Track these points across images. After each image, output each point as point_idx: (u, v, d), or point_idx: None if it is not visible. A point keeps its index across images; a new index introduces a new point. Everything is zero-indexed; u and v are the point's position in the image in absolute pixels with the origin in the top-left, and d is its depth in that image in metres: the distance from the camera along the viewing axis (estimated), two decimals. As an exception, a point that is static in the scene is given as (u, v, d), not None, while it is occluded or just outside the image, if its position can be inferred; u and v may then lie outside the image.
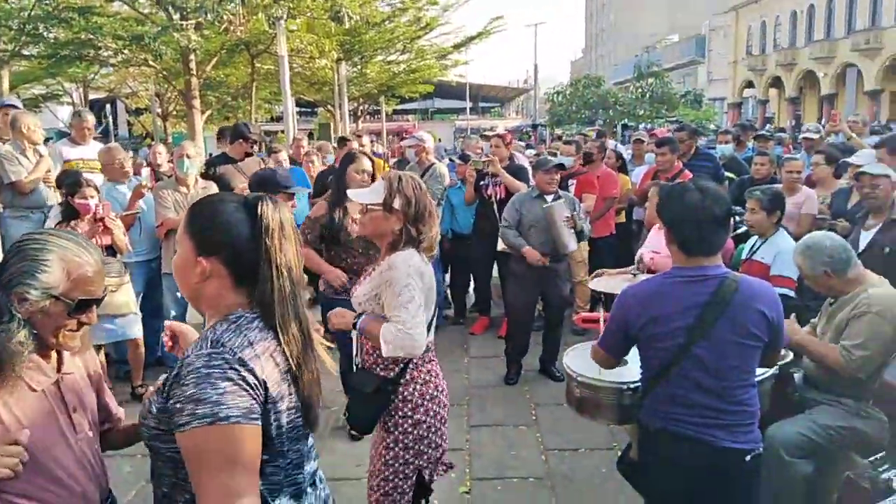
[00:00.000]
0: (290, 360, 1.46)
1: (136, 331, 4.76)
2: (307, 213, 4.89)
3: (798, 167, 5.15)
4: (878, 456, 1.79)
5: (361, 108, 25.64)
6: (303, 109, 30.78)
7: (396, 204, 2.40)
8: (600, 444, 4.06)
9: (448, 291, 7.06)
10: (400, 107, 35.55)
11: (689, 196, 2.22)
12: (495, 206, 5.81)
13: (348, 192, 2.98)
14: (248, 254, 1.46)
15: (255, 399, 1.36)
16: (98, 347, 4.75)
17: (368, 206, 2.48)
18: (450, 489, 3.64)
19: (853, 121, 7.49)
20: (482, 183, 5.98)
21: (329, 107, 21.67)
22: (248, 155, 5.71)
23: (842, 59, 31.21)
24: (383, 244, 2.52)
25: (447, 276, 6.98)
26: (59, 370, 1.59)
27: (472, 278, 6.74)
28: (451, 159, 7.99)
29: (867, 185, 3.98)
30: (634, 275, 3.31)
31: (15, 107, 5.92)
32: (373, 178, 3.89)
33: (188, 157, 4.95)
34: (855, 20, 31.01)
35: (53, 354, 1.59)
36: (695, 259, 2.24)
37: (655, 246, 4.12)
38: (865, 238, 4.00)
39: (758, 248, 4.01)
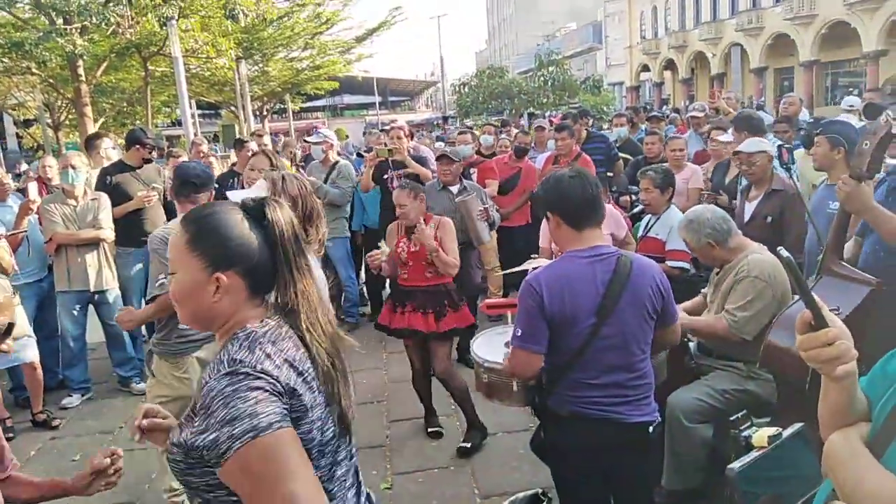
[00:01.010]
0: (322, 361, 1.40)
1: (32, 354, 4.50)
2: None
3: (680, 145, 5.44)
4: (738, 415, 1.91)
5: (266, 107, 25.06)
6: (205, 112, 29.79)
7: None
8: (517, 426, 4.14)
9: (364, 288, 7.03)
10: (307, 104, 34.99)
11: (564, 177, 2.36)
12: (400, 199, 5.81)
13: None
14: (264, 262, 1.42)
15: (285, 406, 1.30)
16: (-10, 376, 4.49)
17: None
18: (371, 486, 3.62)
19: (727, 97, 7.97)
20: (386, 176, 5.96)
21: (232, 108, 21.08)
22: (147, 161, 5.48)
23: (728, 39, 32.90)
24: None
25: (362, 273, 6.94)
26: None
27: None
28: (358, 154, 7.95)
29: (745, 161, 4.22)
30: (534, 258, 3.40)
31: None
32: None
33: (73, 167, 4.70)
34: (738, 1, 32.75)
35: None
36: (585, 235, 2.32)
37: None
38: (749, 209, 4.24)
39: (652, 225, 4.19)
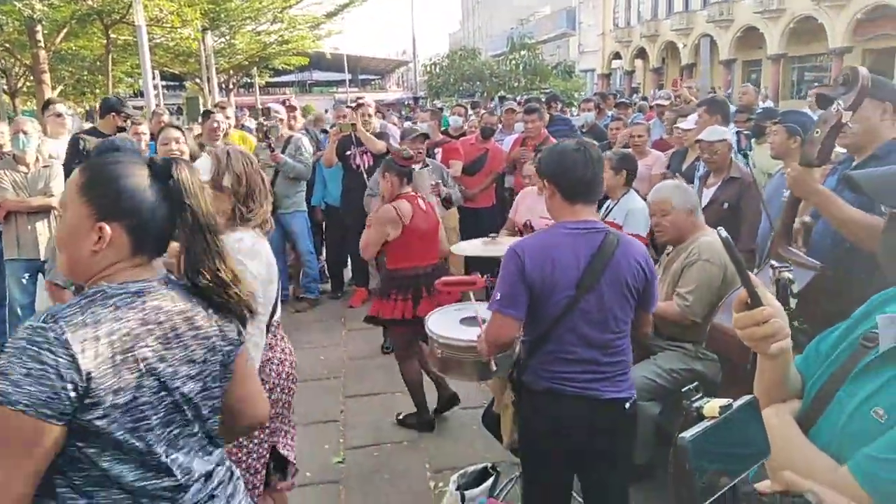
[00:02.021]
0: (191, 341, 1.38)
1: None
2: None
3: (640, 131, 5.52)
4: (690, 386, 1.93)
5: (232, 80, 24.60)
6: (169, 83, 29.14)
7: (226, 181, 2.27)
8: (471, 402, 4.17)
9: (325, 266, 6.99)
10: (275, 79, 34.45)
11: (568, 149, 2.33)
12: (365, 177, 5.78)
13: None
14: (157, 222, 1.38)
15: (60, 392, 1.22)
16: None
17: None
18: (323, 460, 3.64)
19: (689, 86, 8.12)
20: (349, 153, 5.92)
21: (197, 80, 20.64)
22: (121, 130, 5.37)
23: (699, 30, 33.18)
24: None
25: (323, 250, 6.89)
26: None
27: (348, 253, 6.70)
28: (323, 130, 7.85)
29: (706, 150, 4.27)
30: (493, 237, 3.40)
31: None
32: (189, 147, 3.86)
33: (24, 133, 4.55)
34: (709, -7, 33.03)
35: None
36: (577, 209, 2.30)
37: (542, 210, 4.22)
38: (707, 195, 4.31)
39: (611, 210, 4.23)
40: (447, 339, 2.83)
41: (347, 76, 44.76)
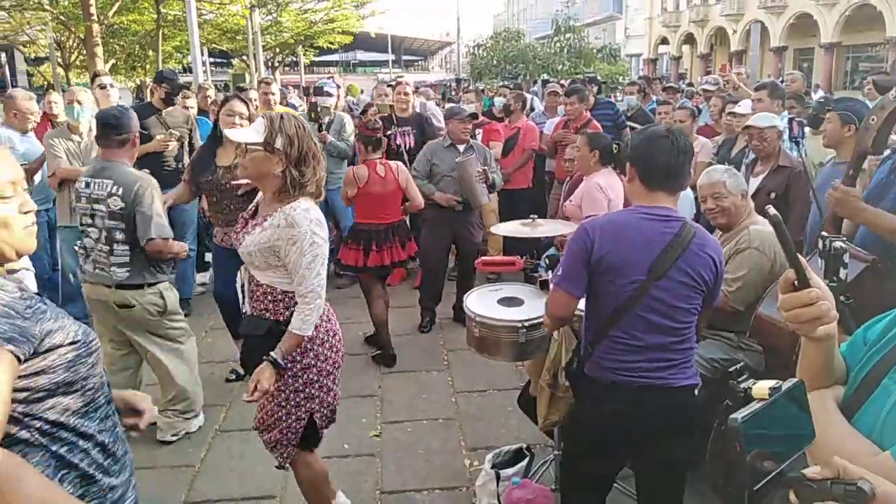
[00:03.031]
0: None
1: (30, 284, 4.53)
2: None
3: (682, 116, 5.41)
4: (737, 366, 1.89)
5: (278, 58, 24.81)
6: (217, 60, 29.52)
7: (278, 143, 2.30)
8: (508, 384, 4.19)
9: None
10: (320, 58, 34.63)
11: (655, 134, 2.27)
12: (406, 157, 5.79)
13: (226, 131, 2.87)
14: None
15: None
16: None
17: (249, 147, 2.35)
18: (360, 433, 3.70)
19: (738, 72, 7.90)
20: (389, 133, 5.92)
21: (244, 57, 20.88)
22: (168, 102, 5.46)
23: (750, 16, 32.24)
24: (266, 188, 2.41)
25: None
26: None
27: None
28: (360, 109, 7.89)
29: (756, 136, 4.18)
30: (533, 219, 3.39)
31: None
32: (250, 121, 3.86)
33: (79, 102, 4.68)
34: (763, -23, 32.04)
35: None
36: (656, 196, 2.23)
37: (576, 197, 4.19)
38: (754, 183, 4.22)
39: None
40: (484, 318, 2.84)
41: (391, 56, 44.74)
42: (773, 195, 4.07)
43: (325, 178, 2.46)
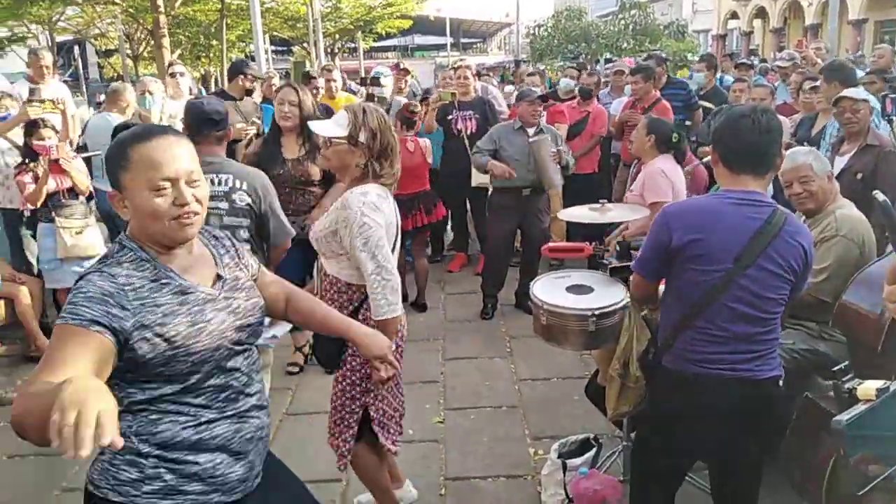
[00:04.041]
0: None
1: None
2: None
3: (763, 94, 5.13)
4: (842, 365, 1.77)
5: (337, 45, 25.01)
6: (278, 48, 29.96)
7: (361, 137, 2.32)
8: (573, 373, 4.11)
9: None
10: (378, 44, 34.74)
11: (735, 114, 2.15)
12: (466, 141, 5.72)
13: (311, 125, 2.88)
14: None
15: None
16: (68, 291, 4.70)
17: (332, 140, 2.39)
18: (424, 420, 3.69)
19: (816, 47, 7.46)
20: (449, 117, 5.86)
21: (304, 44, 21.12)
22: (248, 93, 5.53)
23: (827, -13, 30.70)
24: (346, 179, 2.46)
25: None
26: None
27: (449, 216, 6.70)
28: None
29: (848, 109, 3.92)
30: (602, 204, 3.27)
31: None
32: (302, 108, 3.84)
33: (150, 93, 4.81)
34: (841, -54, 30.34)
35: None
36: (742, 179, 2.12)
37: (636, 186, 4.05)
38: (840, 163, 3.98)
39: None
40: (552, 306, 2.76)
41: (449, 40, 44.45)
42: (859, 176, 3.83)
43: (399, 171, 2.46)
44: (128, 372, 1.46)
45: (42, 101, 4.53)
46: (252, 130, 5.22)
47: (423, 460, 3.34)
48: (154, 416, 1.51)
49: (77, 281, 1.47)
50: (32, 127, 4.36)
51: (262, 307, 1.71)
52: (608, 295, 2.71)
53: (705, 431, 2.19)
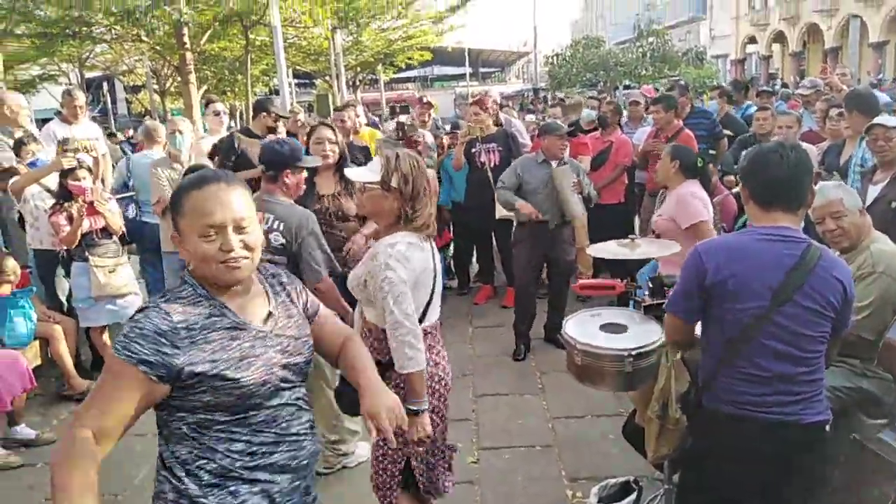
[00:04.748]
0: None
1: (131, 311, 4.74)
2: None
3: (790, 122, 5.09)
4: (882, 421, 1.73)
5: (359, 77, 25.37)
6: (300, 81, 30.48)
7: (394, 182, 2.34)
8: (607, 410, 4.04)
9: (451, 262, 7.03)
10: (398, 75, 35.18)
11: (763, 150, 2.16)
12: (489, 174, 5.72)
13: (346, 171, 2.93)
14: None
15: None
16: (102, 329, 4.77)
17: (366, 185, 2.42)
18: (457, 460, 3.63)
19: (841, 73, 7.39)
20: (473, 150, 5.87)
21: (326, 77, 21.46)
22: (272, 130, 5.60)
23: (846, 10, 30.60)
24: (382, 224, 2.47)
25: (450, 247, 6.93)
26: None
27: (474, 248, 6.70)
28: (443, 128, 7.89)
29: (881, 137, 3.86)
30: (633, 239, 3.24)
31: None
32: (339, 146, 3.91)
33: (180, 132, 4.89)
34: (859, -31, 30.35)
35: None
36: (774, 215, 2.10)
37: (665, 210, 4.02)
38: (873, 192, 3.92)
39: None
40: (587, 346, 2.73)
41: (468, 70, 44.92)
42: (893, 205, 3.77)
43: (434, 212, 2.47)
44: (178, 401, 1.54)
45: (76, 150, 4.65)
46: None
47: (460, 503, 3.28)
48: (206, 444, 1.56)
49: (136, 312, 1.54)
50: (68, 168, 4.45)
51: (310, 346, 1.75)
52: (644, 334, 2.68)
53: (749, 476, 2.13)
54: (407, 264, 2.31)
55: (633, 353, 2.58)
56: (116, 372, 1.48)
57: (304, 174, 3.38)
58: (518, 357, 5.03)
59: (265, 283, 1.74)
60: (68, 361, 4.57)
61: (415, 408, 2.27)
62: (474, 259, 6.79)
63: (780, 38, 37.56)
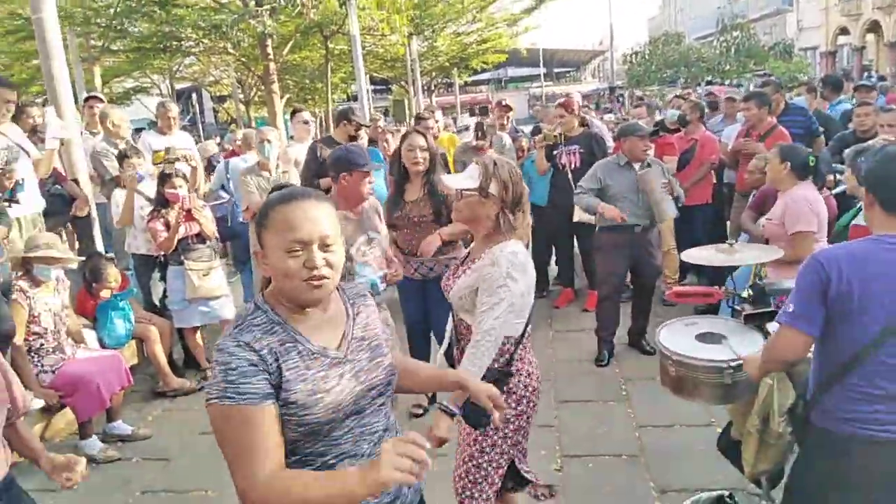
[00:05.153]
0: None
1: (228, 312, 4.93)
2: (384, 191, 4.92)
3: (891, 119, 4.77)
4: None
5: (434, 81, 25.59)
6: (377, 87, 30.99)
7: (493, 189, 2.32)
8: (696, 420, 3.90)
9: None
10: (473, 78, 35.26)
11: (893, 154, 2.02)
12: (570, 176, 5.65)
13: (443, 177, 2.95)
14: None
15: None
16: (195, 329, 4.98)
17: (464, 192, 2.39)
18: (541, 467, 3.59)
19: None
20: (554, 153, 5.82)
21: (402, 83, 21.74)
22: (353, 139, 5.71)
23: (950, -5, 28.63)
24: (479, 232, 2.44)
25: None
26: None
27: (553, 251, 6.62)
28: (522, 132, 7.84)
29: None
30: (731, 244, 3.10)
31: (99, 98, 6.22)
32: (430, 152, 3.92)
33: (269, 141, 5.05)
34: (966, -50, 28.32)
35: None
36: None
37: (775, 214, 3.83)
38: None
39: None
40: (683, 356, 2.63)
41: (542, 70, 44.54)
42: None
43: (531, 222, 2.44)
44: None
45: (177, 159, 4.91)
46: None
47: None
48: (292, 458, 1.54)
49: (217, 352, 1.49)
50: (166, 177, 4.68)
51: (386, 367, 1.67)
52: (745, 344, 2.56)
53: (861, 499, 2.00)
54: (524, 275, 2.30)
55: (733, 363, 2.48)
56: (249, 420, 1.43)
57: (371, 179, 3.44)
58: (601, 363, 4.92)
59: (347, 302, 1.69)
60: (163, 360, 4.80)
61: (453, 409, 2.20)
62: (553, 261, 6.71)
63: (874, 27, 35.44)
